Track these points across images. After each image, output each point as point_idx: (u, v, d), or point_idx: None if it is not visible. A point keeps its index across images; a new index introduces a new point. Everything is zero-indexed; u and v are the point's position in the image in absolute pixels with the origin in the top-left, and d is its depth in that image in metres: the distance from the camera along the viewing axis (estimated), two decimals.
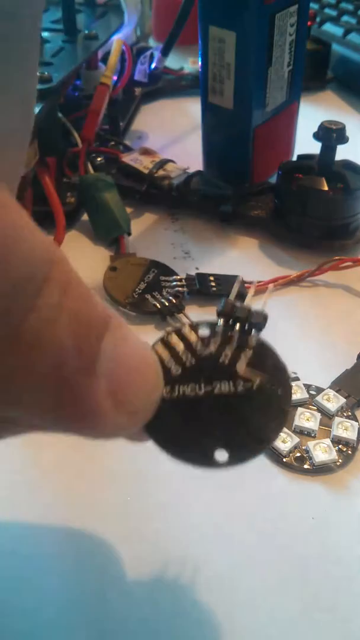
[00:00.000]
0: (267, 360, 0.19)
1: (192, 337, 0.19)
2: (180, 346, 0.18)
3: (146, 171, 0.42)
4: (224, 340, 0.19)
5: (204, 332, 0.19)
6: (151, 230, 0.41)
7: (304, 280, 0.36)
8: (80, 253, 0.39)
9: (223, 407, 0.18)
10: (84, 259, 0.38)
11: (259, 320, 0.19)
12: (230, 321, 0.19)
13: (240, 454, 0.17)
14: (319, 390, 0.29)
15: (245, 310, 0.19)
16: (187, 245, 0.39)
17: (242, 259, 0.38)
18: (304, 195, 0.37)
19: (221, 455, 0.17)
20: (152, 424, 0.17)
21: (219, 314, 0.19)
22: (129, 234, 0.39)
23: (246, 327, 0.19)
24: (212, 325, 0.19)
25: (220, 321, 0.19)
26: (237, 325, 0.19)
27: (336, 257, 0.36)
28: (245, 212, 0.40)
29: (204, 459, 0.17)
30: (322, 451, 0.27)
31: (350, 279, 0.36)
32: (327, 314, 0.34)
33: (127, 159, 0.43)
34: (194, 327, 0.19)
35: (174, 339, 0.18)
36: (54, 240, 0.37)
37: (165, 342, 0.18)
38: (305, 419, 0.28)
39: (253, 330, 0.19)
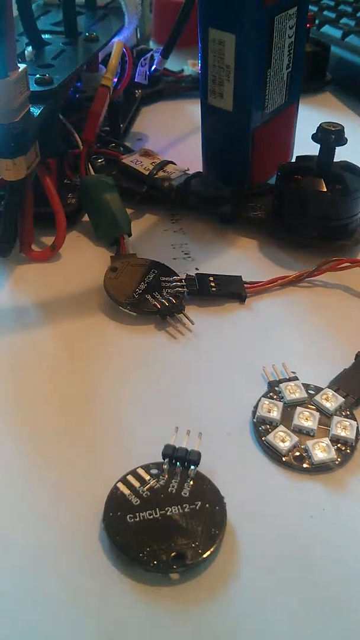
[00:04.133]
0: (204, 486, 0.25)
1: (146, 476, 0.25)
2: (137, 483, 0.25)
3: (146, 172, 0.42)
4: (170, 476, 0.25)
5: (154, 471, 0.25)
6: (151, 231, 0.41)
7: (303, 280, 0.37)
8: (81, 254, 0.39)
9: (175, 525, 0.24)
10: (85, 260, 0.38)
11: (195, 458, 0.25)
12: (173, 460, 0.25)
13: (193, 557, 0.23)
14: (318, 389, 0.30)
15: (183, 451, 0.25)
16: (187, 246, 0.40)
17: (241, 259, 0.39)
18: (303, 196, 0.37)
19: (177, 561, 0.23)
20: (120, 542, 0.23)
21: (164, 456, 0.25)
22: (130, 234, 0.39)
23: (185, 464, 0.25)
24: (160, 465, 0.25)
25: (166, 461, 0.25)
26: (179, 463, 0.25)
27: (335, 258, 0.36)
28: (244, 213, 0.40)
29: (163, 566, 0.22)
30: (321, 450, 0.27)
31: (348, 280, 0.37)
32: (325, 314, 0.35)
33: (128, 160, 0.43)
34: (146, 468, 0.25)
35: (132, 479, 0.25)
36: (55, 241, 0.38)
37: (125, 481, 0.25)
38: (304, 418, 0.28)
39: (191, 465, 0.25)
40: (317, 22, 0.66)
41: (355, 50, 0.59)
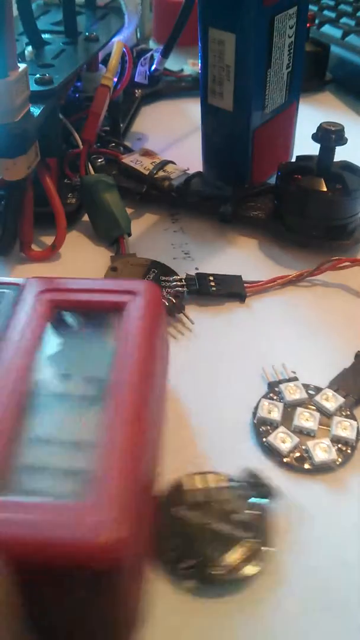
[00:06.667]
0: (262, 523, 0.24)
1: (212, 483, 0.24)
2: (199, 485, 0.24)
3: (146, 172, 0.42)
4: (235, 495, 0.24)
5: (223, 483, 0.25)
6: (151, 231, 0.41)
7: (303, 280, 0.37)
8: (81, 253, 0.39)
9: (212, 538, 0.23)
10: (85, 260, 0.38)
11: (268, 492, 0.24)
12: (246, 483, 0.25)
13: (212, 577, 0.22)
14: (318, 389, 0.30)
15: (255, 476, 0.25)
16: (187, 246, 0.40)
17: (241, 259, 0.39)
18: (303, 196, 0.37)
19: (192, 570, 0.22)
20: (159, 534, 0.22)
21: (243, 476, 0.25)
22: (129, 234, 0.39)
23: (257, 494, 0.24)
24: (232, 481, 0.25)
25: (239, 481, 0.25)
26: (252, 489, 0.24)
27: (334, 257, 0.36)
28: (244, 212, 0.40)
29: (178, 572, 0.22)
30: (321, 451, 0.27)
31: (348, 279, 0.37)
32: (325, 314, 0.35)
33: (128, 160, 0.43)
34: (218, 475, 0.25)
35: (197, 479, 0.25)
36: (55, 241, 0.38)
37: (190, 476, 0.25)
38: (305, 419, 0.28)
39: (262, 497, 0.24)
40: (317, 22, 0.66)
41: (355, 50, 0.59)
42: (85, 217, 0.41)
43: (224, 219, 0.41)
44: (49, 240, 0.39)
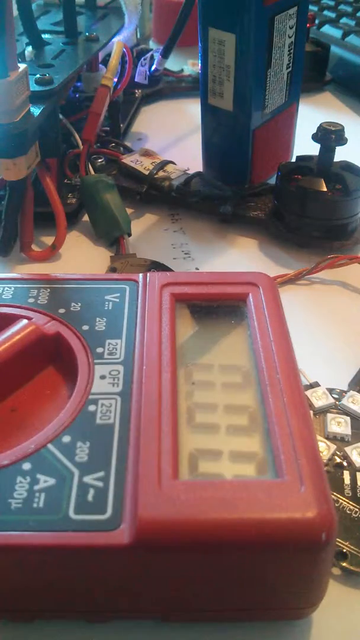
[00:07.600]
0: None
1: None
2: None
3: (146, 172, 0.42)
4: None
5: None
6: (151, 231, 0.41)
7: (301, 278, 0.37)
8: (81, 253, 0.39)
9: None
10: (85, 260, 0.38)
11: None
12: None
13: None
14: (341, 392, 0.29)
15: None
16: (187, 246, 0.40)
17: (241, 259, 0.39)
18: (303, 196, 0.37)
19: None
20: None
21: None
22: (129, 234, 0.39)
23: None
24: None
25: None
26: None
27: (332, 255, 0.36)
28: (244, 212, 0.40)
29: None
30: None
31: (346, 276, 0.37)
32: (325, 312, 0.35)
33: (128, 160, 0.43)
34: None
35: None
36: (55, 241, 0.38)
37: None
38: (337, 424, 0.27)
39: None
40: (317, 22, 0.66)
41: (355, 50, 0.59)
42: (85, 217, 0.41)
43: (224, 219, 0.41)
44: (49, 240, 0.39)
